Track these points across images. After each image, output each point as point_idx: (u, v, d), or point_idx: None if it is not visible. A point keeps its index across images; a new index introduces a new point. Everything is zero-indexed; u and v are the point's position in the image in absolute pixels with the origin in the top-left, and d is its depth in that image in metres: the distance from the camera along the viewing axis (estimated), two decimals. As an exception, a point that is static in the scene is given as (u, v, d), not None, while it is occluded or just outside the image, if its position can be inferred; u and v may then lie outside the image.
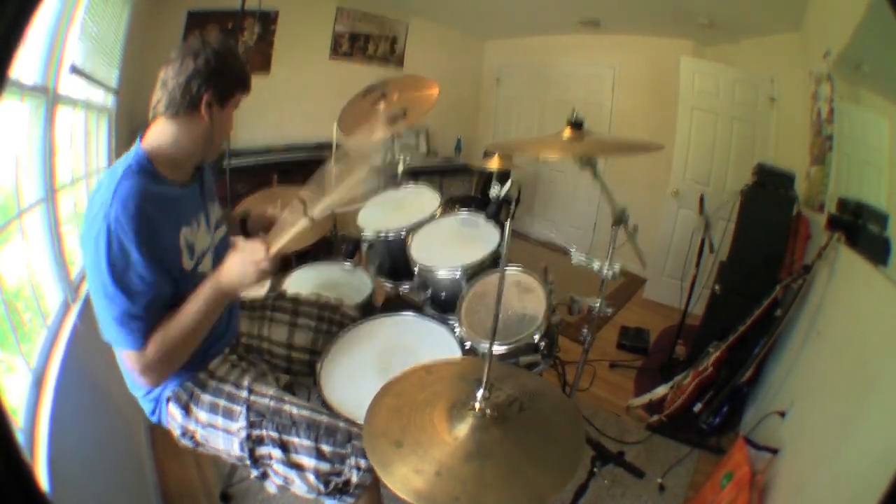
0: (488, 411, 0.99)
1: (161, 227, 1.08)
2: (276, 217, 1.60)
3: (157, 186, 1.10)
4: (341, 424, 1.23)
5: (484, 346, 1.54)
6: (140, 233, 1.01)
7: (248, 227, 1.62)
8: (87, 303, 1.59)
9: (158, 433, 1.34)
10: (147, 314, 1.06)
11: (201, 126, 1.15)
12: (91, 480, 1.37)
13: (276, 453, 1.22)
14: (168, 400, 1.26)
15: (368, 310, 1.96)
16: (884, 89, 1.79)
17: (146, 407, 1.31)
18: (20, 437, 1.06)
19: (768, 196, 2.59)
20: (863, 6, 1.80)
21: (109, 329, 1.05)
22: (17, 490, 0.69)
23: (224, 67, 1.14)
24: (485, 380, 1.00)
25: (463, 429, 0.96)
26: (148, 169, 1.10)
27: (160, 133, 1.15)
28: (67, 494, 1.15)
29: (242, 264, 1.14)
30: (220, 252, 1.34)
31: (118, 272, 1.01)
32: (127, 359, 1.09)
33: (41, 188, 1.51)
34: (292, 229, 1.25)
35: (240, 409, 1.24)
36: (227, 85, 1.16)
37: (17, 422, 1.10)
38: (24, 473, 0.73)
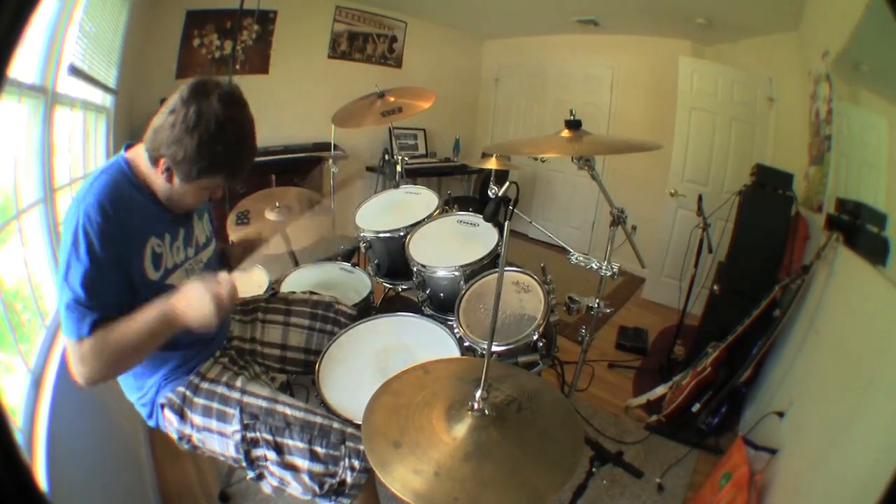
0: (487, 411, 0.99)
1: (127, 229, 1.07)
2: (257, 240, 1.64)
3: (132, 191, 1.10)
4: (335, 425, 1.23)
5: (482, 345, 1.54)
6: (104, 229, 1.01)
7: (229, 259, 1.57)
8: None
9: (157, 433, 1.33)
10: (98, 309, 1.02)
11: (162, 182, 1.10)
12: (90, 480, 1.37)
13: (271, 455, 1.22)
14: (163, 406, 1.26)
15: (367, 310, 1.96)
16: (882, 89, 1.79)
17: (142, 412, 1.31)
18: (19, 437, 1.06)
19: (767, 196, 2.60)
20: (861, 6, 1.80)
21: (61, 314, 1.03)
22: (15, 490, 0.69)
23: (196, 152, 1.03)
24: (483, 380, 1.00)
25: (461, 429, 0.96)
26: (127, 174, 1.11)
27: (141, 155, 1.12)
28: (66, 494, 1.15)
29: (200, 294, 1.06)
30: (206, 271, 1.33)
31: (79, 261, 1.00)
32: (67, 347, 1.04)
33: (40, 188, 1.51)
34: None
35: (233, 412, 1.24)
36: (190, 169, 1.06)
37: (16, 422, 1.10)
38: (22, 473, 0.73)
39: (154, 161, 1.08)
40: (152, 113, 1.09)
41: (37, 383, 1.25)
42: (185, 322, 1.07)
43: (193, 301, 1.06)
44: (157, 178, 1.11)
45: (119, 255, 1.05)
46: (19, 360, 1.23)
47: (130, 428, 1.86)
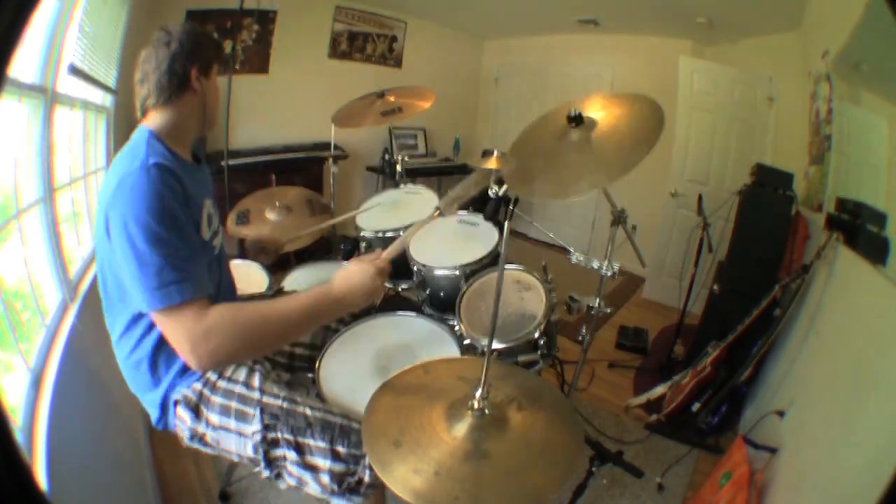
0: (487, 410, 0.99)
1: (187, 189, 1.10)
2: (268, 239, 1.73)
3: (174, 162, 1.12)
4: (355, 425, 1.22)
5: (483, 344, 1.54)
6: (174, 184, 1.05)
7: (246, 250, 1.72)
8: (85, 302, 1.59)
9: (157, 432, 1.33)
10: (191, 266, 1.04)
11: (195, 100, 1.21)
12: (90, 479, 1.37)
13: (291, 455, 1.21)
14: (176, 403, 1.24)
15: (367, 309, 1.95)
16: (882, 89, 1.80)
17: (152, 413, 1.28)
18: (19, 436, 1.06)
19: (767, 196, 2.60)
20: (861, 6, 1.81)
21: (152, 283, 0.99)
22: (15, 489, 0.69)
23: (197, 42, 1.20)
24: (483, 379, 1.00)
25: (461, 428, 0.96)
26: (163, 148, 1.13)
27: (156, 121, 1.17)
28: (66, 493, 1.14)
29: (362, 270, 1.19)
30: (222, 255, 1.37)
31: (163, 212, 1.01)
32: (179, 325, 1.02)
33: (40, 188, 1.51)
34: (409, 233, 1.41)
35: (253, 412, 1.23)
36: (206, 56, 1.22)
37: (16, 421, 1.10)
38: (22, 472, 0.73)
39: (183, 85, 1.16)
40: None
41: (37, 383, 1.25)
42: (349, 303, 1.19)
43: (356, 279, 1.18)
44: (190, 105, 1.20)
45: (186, 210, 1.08)
46: (19, 360, 1.23)
47: (131, 427, 1.86)
